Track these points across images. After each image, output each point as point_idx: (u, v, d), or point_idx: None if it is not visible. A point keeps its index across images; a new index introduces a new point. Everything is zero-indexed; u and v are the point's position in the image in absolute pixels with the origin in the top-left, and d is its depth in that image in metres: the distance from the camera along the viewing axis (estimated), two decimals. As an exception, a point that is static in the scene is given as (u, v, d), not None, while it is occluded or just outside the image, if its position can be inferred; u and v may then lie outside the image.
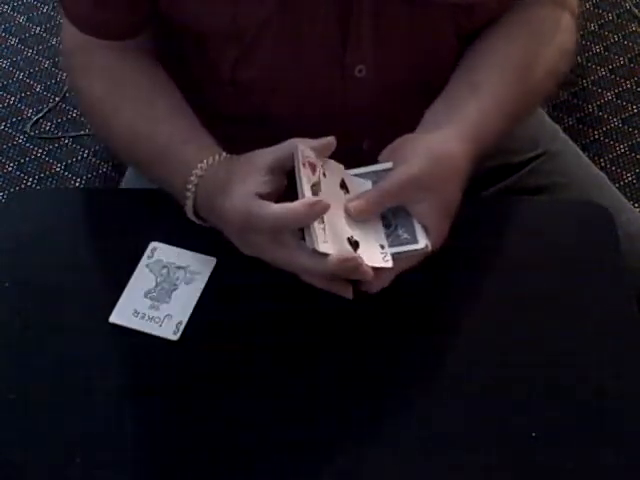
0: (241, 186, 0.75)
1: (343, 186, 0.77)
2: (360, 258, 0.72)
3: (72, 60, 0.90)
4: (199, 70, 0.90)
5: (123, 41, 0.87)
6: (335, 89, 0.87)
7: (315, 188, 0.74)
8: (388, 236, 0.76)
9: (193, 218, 0.81)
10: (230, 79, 0.87)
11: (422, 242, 0.74)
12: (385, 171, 0.77)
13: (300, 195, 0.73)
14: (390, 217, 0.77)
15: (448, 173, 0.77)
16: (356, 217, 0.75)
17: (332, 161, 0.78)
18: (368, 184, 0.77)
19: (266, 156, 0.76)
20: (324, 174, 0.75)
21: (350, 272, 0.72)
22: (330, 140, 0.76)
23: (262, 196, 0.74)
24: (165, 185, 0.83)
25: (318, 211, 0.71)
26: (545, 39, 0.89)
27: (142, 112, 0.85)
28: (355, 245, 0.75)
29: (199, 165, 0.79)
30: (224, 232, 0.78)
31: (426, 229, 0.75)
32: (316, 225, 0.71)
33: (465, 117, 0.81)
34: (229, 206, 0.75)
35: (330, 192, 0.75)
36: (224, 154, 0.80)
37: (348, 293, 0.74)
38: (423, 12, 0.84)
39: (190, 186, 0.79)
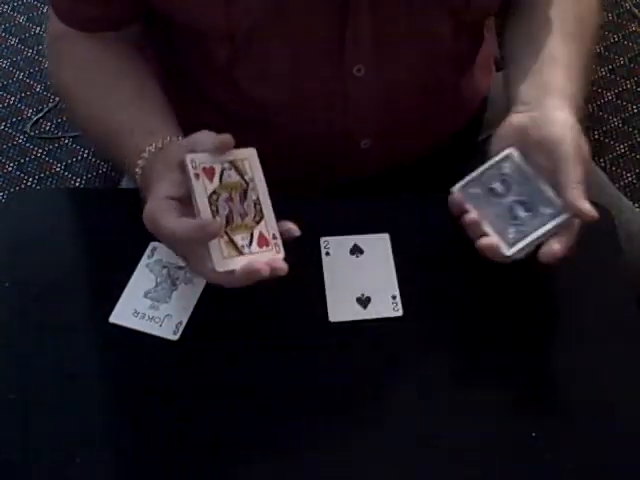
0: (156, 186, 0.75)
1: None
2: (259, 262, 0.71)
3: (52, 47, 0.92)
4: (196, 68, 0.90)
5: (103, 33, 0.88)
6: (333, 88, 0.87)
7: (215, 195, 0.73)
8: (531, 219, 0.77)
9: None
10: (226, 78, 0.86)
11: (566, 211, 0.75)
12: (506, 158, 0.79)
13: (195, 210, 0.72)
14: (526, 200, 0.78)
15: (583, 139, 0.79)
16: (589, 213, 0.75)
17: (246, 151, 0.76)
18: None
19: (179, 151, 0.75)
20: (243, 175, 0.74)
21: (258, 278, 0.72)
22: (225, 138, 0.74)
23: (174, 198, 0.73)
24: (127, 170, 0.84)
25: (212, 232, 0.71)
26: (585, 1, 0.92)
27: (99, 98, 0.86)
28: (366, 302, 0.77)
29: (142, 155, 0.79)
30: None
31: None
32: (214, 243, 0.71)
33: (561, 87, 0.83)
34: (146, 207, 0.74)
35: (257, 189, 0.74)
36: (169, 138, 0.79)
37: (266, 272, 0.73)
38: (421, 9, 0.84)
39: (137, 177, 0.79)
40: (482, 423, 0.73)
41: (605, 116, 1.80)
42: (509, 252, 0.75)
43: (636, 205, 1.66)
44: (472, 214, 0.77)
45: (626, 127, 1.79)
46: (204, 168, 0.73)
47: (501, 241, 0.76)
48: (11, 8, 1.98)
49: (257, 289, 0.80)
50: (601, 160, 1.73)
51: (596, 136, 1.77)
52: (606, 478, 0.71)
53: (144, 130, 0.82)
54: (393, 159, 0.95)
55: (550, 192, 0.77)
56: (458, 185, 0.79)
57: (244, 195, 0.74)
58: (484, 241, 0.76)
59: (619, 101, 1.82)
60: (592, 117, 1.80)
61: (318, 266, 0.79)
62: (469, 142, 1.03)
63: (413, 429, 0.73)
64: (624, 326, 0.79)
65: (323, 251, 0.81)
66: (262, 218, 0.74)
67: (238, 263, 0.72)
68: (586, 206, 0.75)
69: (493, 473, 0.71)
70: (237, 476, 0.71)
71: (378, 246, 0.82)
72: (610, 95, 1.84)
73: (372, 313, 0.78)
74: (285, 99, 0.86)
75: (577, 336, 0.78)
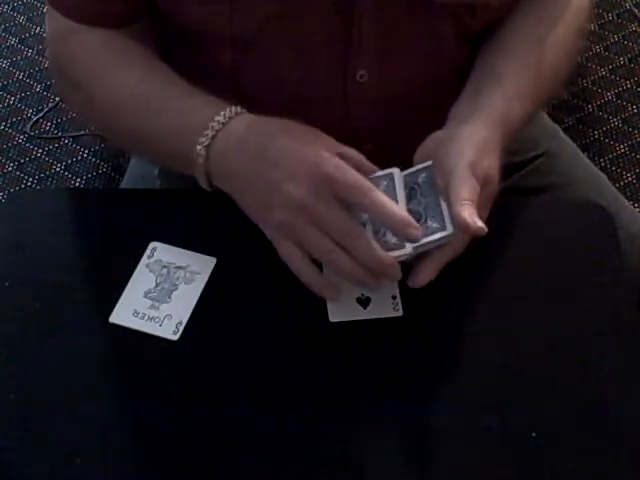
0: (323, 140, 0.73)
1: None
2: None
3: (60, 45, 0.88)
4: (199, 72, 0.90)
5: (116, 29, 0.86)
6: (336, 94, 0.87)
7: None
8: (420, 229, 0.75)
9: (201, 173, 0.78)
10: (230, 82, 0.86)
11: (450, 228, 0.74)
12: (424, 169, 0.78)
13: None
14: (421, 210, 0.76)
15: (489, 159, 0.77)
16: (475, 231, 0.71)
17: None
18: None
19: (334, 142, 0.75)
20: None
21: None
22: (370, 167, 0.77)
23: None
24: (170, 146, 0.80)
25: (407, 234, 0.71)
26: (561, 22, 0.90)
27: (141, 78, 0.83)
28: (366, 302, 0.77)
29: (222, 112, 0.76)
30: (248, 195, 0.76)
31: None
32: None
33: (491, 106, 0.81)
34: (307, 153, 0.72)
35: None
36: (235, 109, 0.78)
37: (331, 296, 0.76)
38: (425, 16, 0.83)
39: (199, 148, 0.76)
40: (482, 423, 0.73)
41: (605, 116, 1.80)
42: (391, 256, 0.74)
43: (636, 205, 1.67)
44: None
45: (626, 127, 1.79)
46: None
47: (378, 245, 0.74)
48: (11, 8, 1.98)
49: (257, 289, 0.80)
50: (601, 160, 1.73)
51: (596, 136, 1.77)
52: (606, 478, 0.71)
53: (204, 102, 0.79)
54: (394, 163, 0.95)
55: (445, 208, 0.75)
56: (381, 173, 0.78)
57: None
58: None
59: (619, 101, 1.83)
60: (592, 117, 1.80)
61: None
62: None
63: (413, 429, 0.73)
64: (624, 326, 0.79)
65: (323, 251, 0.81)
66: None
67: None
68: (471, 222, 0.70)
69: (493, 473, 0.71)
70: (237, 476, 0.71)
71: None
72: (610, 95, 1.84)
73: (372, 313, 0.78)
74: (288, 104, 0.86)
75: (577, 336, 0.78)
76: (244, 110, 0.79)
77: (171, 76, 0.84)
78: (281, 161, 0.74)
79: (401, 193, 0.77)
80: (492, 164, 0.77)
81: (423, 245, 0.74)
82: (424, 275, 0.74)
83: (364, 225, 0.75)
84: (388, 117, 0.90)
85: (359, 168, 0.74)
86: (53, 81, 1.83)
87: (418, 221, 0.74)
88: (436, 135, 0.79)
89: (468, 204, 0.72)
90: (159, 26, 0.89)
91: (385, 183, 0.77)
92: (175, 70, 0.87)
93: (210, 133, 0.77)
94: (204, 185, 0.80)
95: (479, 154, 0.76)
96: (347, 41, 0.83)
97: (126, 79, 0.84)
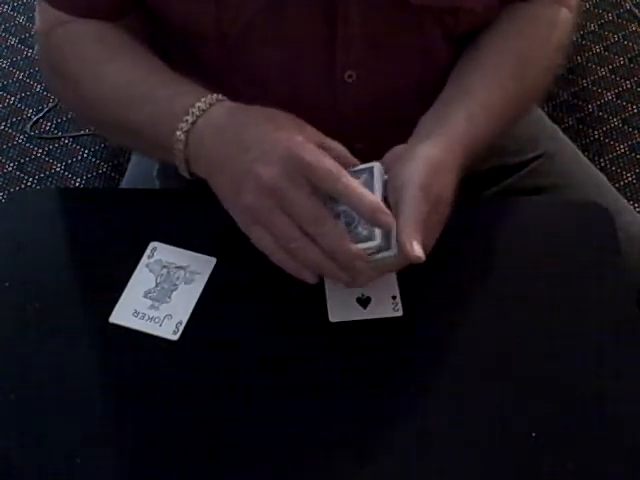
0: (308, 130, 0.73)
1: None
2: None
3: (51, 36, 0.88)
4: (188, 70, 0.89)
5: (108, 21, 0.87)
6: (324, 94, 0.87)
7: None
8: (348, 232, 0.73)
9: (181, 159, 0.78)
10: (218, 80, 0.86)
11: (394, 249, 0.72)
12: (368, 169, 0.76)
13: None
14: (352, 214, 0.74)
15: (446, 183, 0.76)
16: (414, 260, 0.70)
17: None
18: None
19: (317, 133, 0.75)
20: None
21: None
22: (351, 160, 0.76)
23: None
24: (152, 134, 0.80)
25: (378, 219, 0.70)
26: (540, 37, 0.89)
27: (127, 66, 0.84)
28: (366, 302, 0.77)
29: (203, 98, 0.76)
30: (221, 180, 0.75)
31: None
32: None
33: (454, 124, 0.80)
34: (281, 137, 0.72)
35: None
36: (217, 97, 0.78)
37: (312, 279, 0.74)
38: (411, 17, 0.83)
39: (179, 134, 0.76)
40: (482, 423, 0.73)
41: (605, 116, 1.80)
42: None
43: (636, 205, 1.67)
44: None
45: (626, 127, 1.79)
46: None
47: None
48: (11, 8, 1.98)
49: (257, 289, 0.80)
50: (601, 160, 1.73)
51: (596, 136, 1.77)
52: (606, 478, 0.71)
53: (186, 89, 0.79)
54: None
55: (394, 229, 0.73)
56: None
57: None
58: None
59: (619, 101, 1.83)
60: (592, 117, 1.80)
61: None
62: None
63: (413, 429, 0.73)
64: (624, 326, 0.79)
65: (323, 251, 0.81)
66: None
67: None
68: (412, 248, 0.70)
69: (493, 473, 0.71)
70: (237, 476, 0.71)
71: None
72: (610, 95, 1.84)
73: (372, 313, 0.78)
74: (276, 103, 0.86)
75: (577, 336, 0.78)
76: (225, 98, 0.79)
77: (156, 65, 0.84)
78: (254, 144, 0.73)
79: (378, 187, 0.75)
80: (446, 185, 0.76)
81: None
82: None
83: (337, 217, 0.73)
84: (377, 117, 0.89)
85: (340, 160, 0.73)
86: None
87: (348, 225, 0.73)
88: (396, 150, 0.78)
89: (414, 228, 0.71)
90: (150, 23, 0.89)
91: (365, 176, 0.76)
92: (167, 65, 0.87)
93: (190, 119, 0.77)
94: (184, 172, 0.80)
95: (433, 175, 0.74)
96: (334, 41, 0.83)
97: (112, 70, 0.84)
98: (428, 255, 0.72)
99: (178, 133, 0.77)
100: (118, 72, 0.84)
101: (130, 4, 0.87)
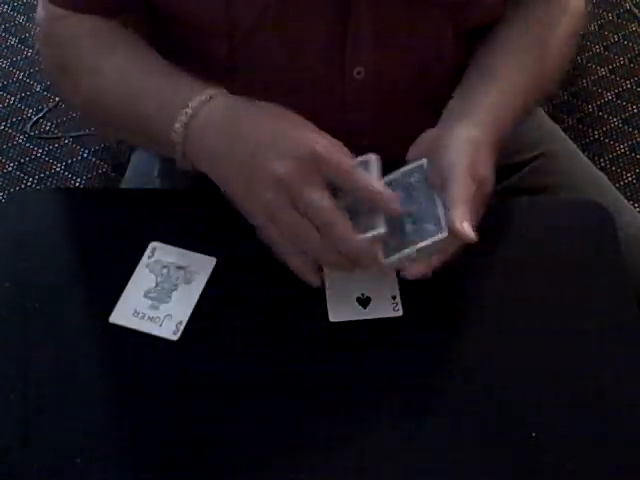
0: (308, 125, 0.74)
1: None
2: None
3: (50, 28, 0.88)
4: (196, 65, 0.89)
5: (107, 18, 0.86)
6: (333, 90, 0.87)
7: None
8: (414, 232, 0.75)
9: (179, 152, 0.78)
10: (226, 75, 0.86)
11: (445, 231, 0.73)
12: (418, 168, 0.77)
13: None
14: (416, 213, 0.76)
15: (486, 160, 0.77)
16: (467, 239, 0.72)
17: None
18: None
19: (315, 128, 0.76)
20: None
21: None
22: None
23: None
24: (151, 127, 0.80)
25: (384, 201, 0.72)
26: (555, 23, 0.90)
27: (129, 61, 0.84)
28: (366, 302, 0.77)
29: (204, 91, 0.76)
30: (232, 177, 0.75)
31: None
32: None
33: (485, 105, 0.81)
34: (297, 135, 0.73)
35: None
36: (218, 91, 0.78)
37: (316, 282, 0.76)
38: (422, 13, 0.84)
39: (178, 127, 0.76)
40: (482, 423, 0.73)
41: (605, 116, 1.80)
42: (384, 261, 0.74)
43: (636, 205, 1.67)
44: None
45: (626, 127, 1.79)
46: None
47: (380, 249, 0.74)
48: (11, 8, 1.98)
49: (257, 289, 0.80)
50: (601, 160, 1.73)
51: (596, 136, 1.77)
52: (606, 478, 0.71)
53: (185, 82, 0.79)
54: (393, 160, 0.95)
55: (441, 209, 0.75)
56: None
57: None
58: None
59: (619, 101, 1.83)
60: (592, 117, 1.80)
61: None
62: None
63: (412, 429, 0.73)
64: (624, 326, 0.79)
65: (323, 251, 0.81)
66: None
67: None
68: (463, 227, 0.71)
69: (493, 473, 0.71)
70: (237, 476, 0.71)
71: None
72: (610, 95, 1.84)
73: (372, 313, 0.78)
74: (284, 99, 0.86)
75: (577, 336, 0.78)
76: (226, 91, 0.78)
77: (154, 58, 0.84)
78: (267, 141, 0.74)
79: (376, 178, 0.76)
80: (487, 166, 0.77)
81: (422, 249, 0.74)
82: (416, 268, 0.74)
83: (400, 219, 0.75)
84: (386, 114, 0.89)
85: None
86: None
87: (414, 224, 0.75)
88: (430, 133, 0.79)
89: (461, 209, 0.72)
90: (150, 23, 0.89)
91: (360, 169, 0.76)
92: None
93: (190, 112, 0.76)
94: (183, 166, 0.79)
95: (476, 156, 0.76)
96: (344, 37, 0.83)
97: (110, 63, 0.84)
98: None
99: (177, 125, 0.77)
100: (115, 66, 0.84)
101: (129, 0, 0.87)
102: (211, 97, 0.77)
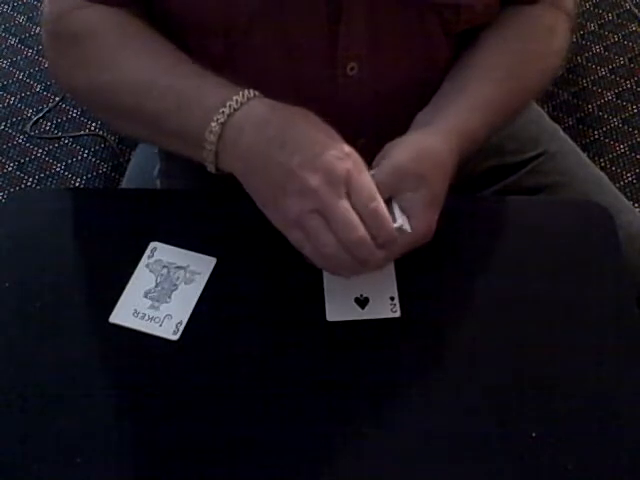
0: (340, 138, 0.75)
1: None
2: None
3: (63, 22, 0.87)
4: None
5: (119, 7, 0.85)
6: (327, 87, 0.87)
7: None
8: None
9: (211, 152, 0.77)
10: (222, 72, 0.86)
11: (399, 221, 0.74)
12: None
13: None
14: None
15: (432, 165, 0.77)
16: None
17: None
18: None
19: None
20: None
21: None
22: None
23: None
24: (177, 124, 0.79)
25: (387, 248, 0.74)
26: (538, 40, 0.90)
27: (153, 55, 0.83)
28: (364, 302, 0.77)
29: (240, 92, 0.76)
30: (261, 178, 0.75)
31: (410, 218, 0.75)
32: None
33: (450, 114, 0.82)
34: (334, 153, 0.73)
35: None
36: (251, 92, 0.78)
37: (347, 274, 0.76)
38: (413, 12, 0.84)
39: (214, 126, 0.76)
40: (482, 423, 0.73)
41: (605, 116, 1.80)
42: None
43: (636, 205, 1.67)
44: None
45: (626, 127, 1.79)
46: None
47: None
48: (11, 8, 1.98)
49: (257, 288, 0.80)
50: (601, 160, 1.73)
51: (596, 136, 1.77)
52: (606, 478, 0.71)
53: (218, 81, 0.79)
54: None
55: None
56: None
57: None
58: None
59: (619, 101, 1.83)
60: (592, 117, 1.80)
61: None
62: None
63: (412, 429, 0.73)
64: (624, 326, 0.79)
65: (323, 251, 0.81)
66: None
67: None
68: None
69: (493, 473, 0.71)
70: (237, 476, 0.71)
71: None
72: (610, 95, 1.84)
73: (370, 314, 0.78)
74: (280, 96, 0.86)
75: (577, 336, 0.78)
76: (260, 93, 0.79)
77: (180, 55, 0.83)
78: (302, 148, 0.74)
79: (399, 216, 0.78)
80: (433, 169, 0.77)
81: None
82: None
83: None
84: (380, 111, 0.90)
85: None
86: (53, 81, 1.83)
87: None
88: (392, 142, 0.80)
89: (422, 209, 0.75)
90: (151, 17, 0.89)
91: (383, 204, 0.77)
92: None
93: (227, 111, 0.76)
94: (210, 167, 0.79)
95: (414, 157, 0.77)
96: (337, 33, 0.83)
97: (132, 57, 0.83)
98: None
99: (213, 124, 0.76)
100: (138, 59, 0.83)
101: None
102: (249, 98, 0.77)
